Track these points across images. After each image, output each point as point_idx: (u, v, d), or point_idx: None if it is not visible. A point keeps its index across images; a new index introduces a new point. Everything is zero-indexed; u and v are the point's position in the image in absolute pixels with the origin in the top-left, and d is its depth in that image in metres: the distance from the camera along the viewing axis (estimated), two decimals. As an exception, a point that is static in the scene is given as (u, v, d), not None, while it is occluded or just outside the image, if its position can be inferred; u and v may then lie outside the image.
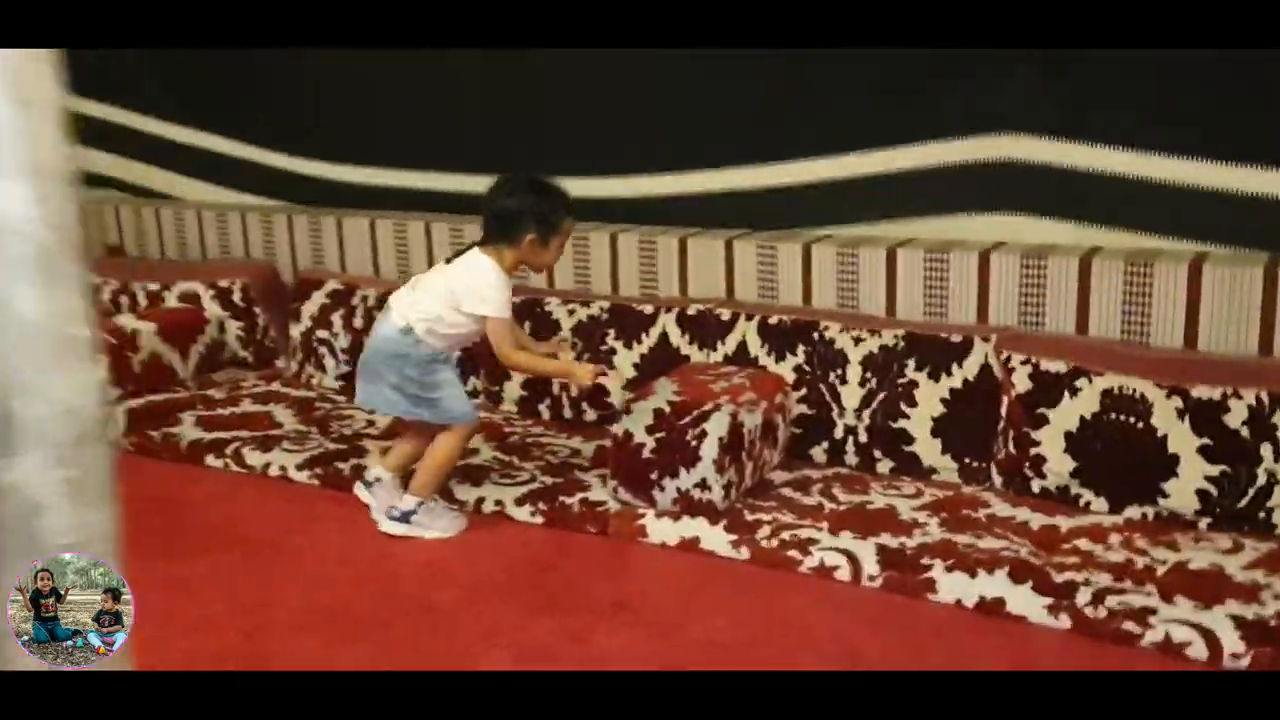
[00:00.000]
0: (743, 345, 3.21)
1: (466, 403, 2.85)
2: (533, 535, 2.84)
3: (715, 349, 3.26)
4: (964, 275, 3.05)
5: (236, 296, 4.10)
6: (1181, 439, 2.58)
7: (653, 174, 3.64)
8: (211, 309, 4.10)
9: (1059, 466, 2.71)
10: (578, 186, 3.73)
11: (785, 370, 3.11)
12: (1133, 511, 2.63)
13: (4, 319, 1.09)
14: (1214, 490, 2.54)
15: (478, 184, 3.90)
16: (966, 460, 2.88)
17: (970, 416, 2.87)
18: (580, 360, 3.09)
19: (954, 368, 2.91)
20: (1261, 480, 2.50)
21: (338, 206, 4.22)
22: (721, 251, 3.40)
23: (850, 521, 2.66)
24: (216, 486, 3.26)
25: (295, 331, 3.99)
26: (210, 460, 3.35)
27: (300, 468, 3.21)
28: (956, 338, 2.95)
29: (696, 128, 3.53)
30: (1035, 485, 2.75)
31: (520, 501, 2.90)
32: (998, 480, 2.83)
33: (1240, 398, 2.56)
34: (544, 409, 3.51)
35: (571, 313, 3.50)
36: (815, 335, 3.10)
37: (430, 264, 3.89)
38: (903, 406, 2.94)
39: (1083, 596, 2.26)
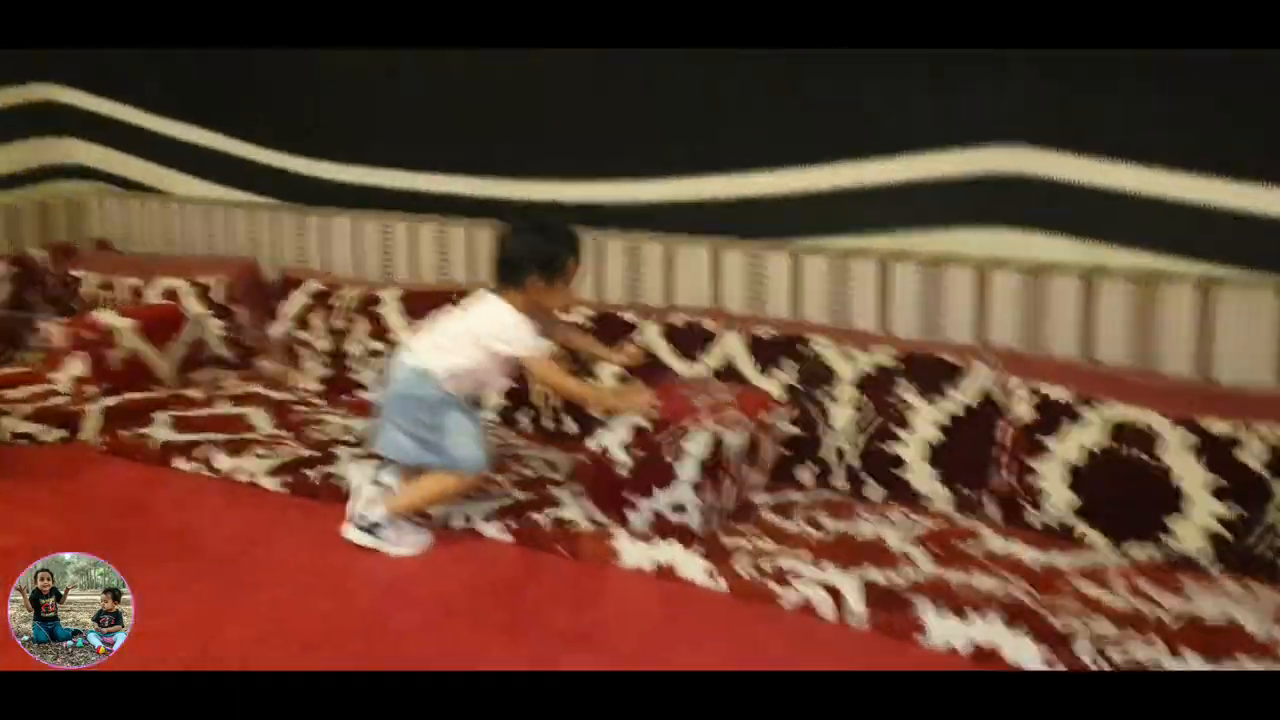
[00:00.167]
0: (729, 358, 2.94)
1: (476, 451, 2.59)
2: (501, 554, 2.58)
3: (700, 360, 3.00)
4: (961, 292, 2.78)
5: (218, 294, 3.84)
6: (1192, 475, 2.31)
7: (642, 179, 3.37)
8: (192, 306, 3.84)
9: (1059, 500, 2.43)
10: (565, 190, 3.51)
11: (772, 385, 2.84)
12: (1136, 551, 2.35)
13: None
14: (1226, 533, 2.27)
15: (465, 186, 3.70)
16: (961, 489, 2.61)
17: (966, 443, 2.60)
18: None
19: (951, 390, 2.64)
20: (1278, 524, 2.23)
21: (324, 204, 3.97)
22: (709, 260, 3.13)
23: (835, 552, 2.39)
24: (184, 491, 3.01)
25: (276, 331, 3.73)
26: (180, 463, 3.10)
27: (270, 474, 2.96)
28: (954, 358, 2.67)
29: (688, 132, 3.27)
30: (1033, 519, 2.48)
31: (489, 518, 2.64)
32: (994, 512, 2.56)
33: (1256, 432, 2.29)
34: (524, 418, 3.25)
35: (555, 320, 3.23)
36: (805, 351, 2.84)
37: (411, 265, 3.66)
38: (895, 429, 2.67)
39: (1083, 647, 1.99)
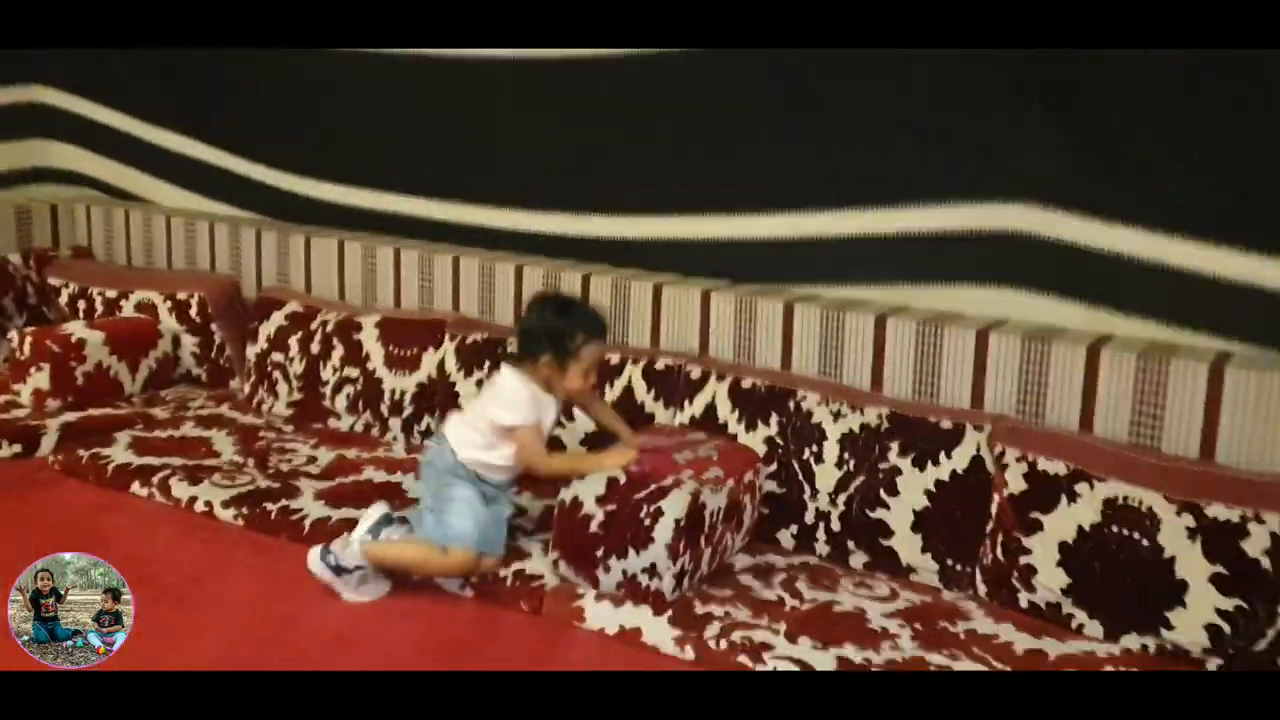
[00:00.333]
0: (711, 407, 2.79)
1: (470, 529, 2.42)
2: (459, 609, 2.42)
3: (682, 408, 2.85)
4: (959, 353, 2.64)
5: (194, 310, 3.70)
6: (1192, 563, 2.15)
7: (634, 215, 3.24)
8: (167, 322, 3.70)
9: (1050, 581, 2.28)
10: (558, 223, 3.38)
11: (755, 441, 2.69)
12: (1131, 641, 2.20)
13: None
14: (1226, 626, 2.11)
15: (453, 213, 3.57)
16: (949, 562, 2.45)
17: (956, 513, 2.44)
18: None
19: (942, 457, 2.49)
20: (1281, 621, 2.08)
21: (309, 222, 3.84)
22: (698, 302, 2.99)
23: (812, 625, 2.24)
24: (136, 517, 2.86)
25: (251, 352, 3.59)
26: (135, 488, 2.95)
27: (226, 505, 2.81)
28: (947, 423, 2.52)
29: (683, 170, 3.13)
30: (1023, 599, 2.32)
31: (448, 570, 2.48)
32: (982, 588, 2.40)
33: (1262, 522, 2.13)
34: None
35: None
36: (791, 405, 2.69)
37: (396, 291, 3.52)
38: (882, 494, 2.52)
39: (1071, 751, 1.84)
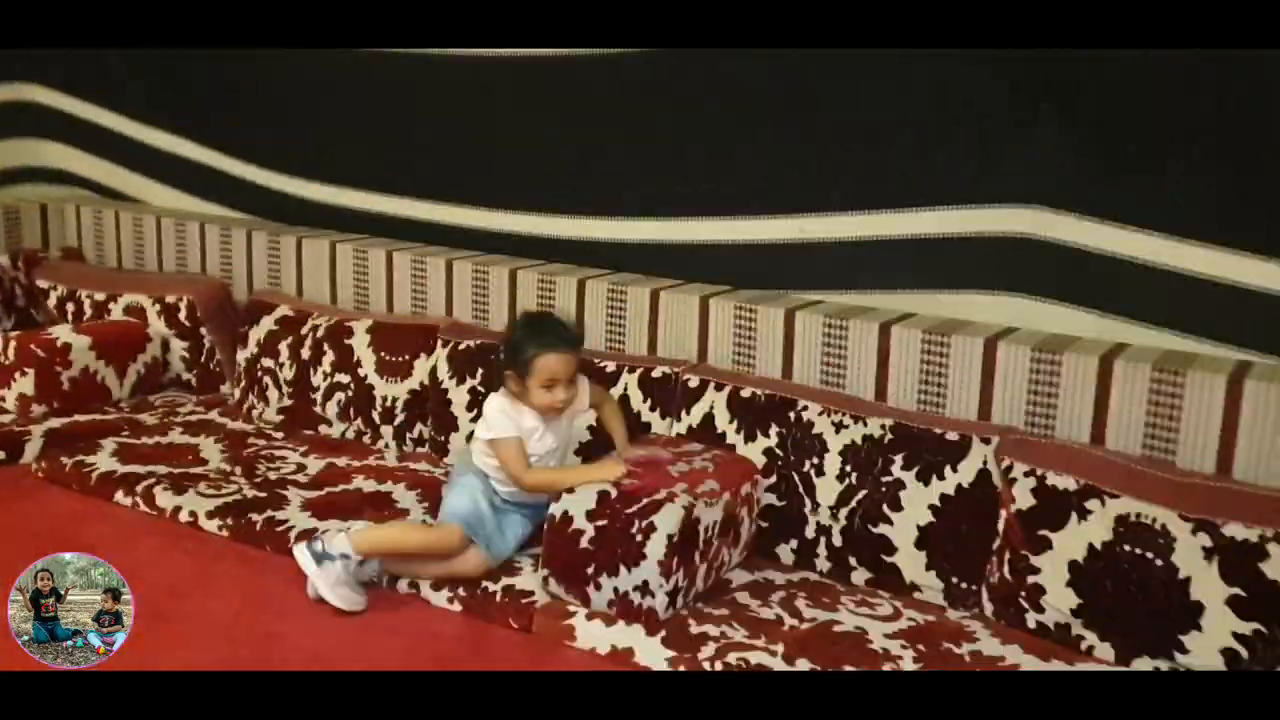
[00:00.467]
0: (710, 417, 2.71)
1: (463, 510, 2.43)
2: (446, 625, 2.34)
3: (680, 418, 2.76)
4: (966, 362, 2.55)
5: (183, 314, 3.63)
6: (1208, 585, 2.06)
7: (632, 217, 3.16)
8: (156, 325, 3.63)
9: (1059, 601, 2.19)
10: (550, 225, 3.29)
11: (754, 452, 2.60)
12: (1143, 664, 2.11)
13: None
14: (1244, 651, 2.02)
15: (449, 215, 3.49)
16: (954, 580, 2.36)
17: (962, 529, 2.35)
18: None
19: (947, 470, 2.40)
20: (1301, 647, 1.99)
21: (300, 224, 3.76)
22: (696, 308, 2.91)
23: (810, 646, 2.15)
24: (119, 527, 2.78)
25: (241, 357, 3.52)
26: (119, 497, 2.88)
27: (211, 515, 2.74)
28: (953, 435, 2.43)
29: (683, 171, 3.05)
30: (1031, 619, 2.23)
31: (439, 584, 2.41)
32: (988, 607, 2.32)
33: (1283, 542, 2.05)
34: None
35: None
36: (792, 415, 2.60)
37: (389, 294, 3.45)
38: (886, 509, 2.43)
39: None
